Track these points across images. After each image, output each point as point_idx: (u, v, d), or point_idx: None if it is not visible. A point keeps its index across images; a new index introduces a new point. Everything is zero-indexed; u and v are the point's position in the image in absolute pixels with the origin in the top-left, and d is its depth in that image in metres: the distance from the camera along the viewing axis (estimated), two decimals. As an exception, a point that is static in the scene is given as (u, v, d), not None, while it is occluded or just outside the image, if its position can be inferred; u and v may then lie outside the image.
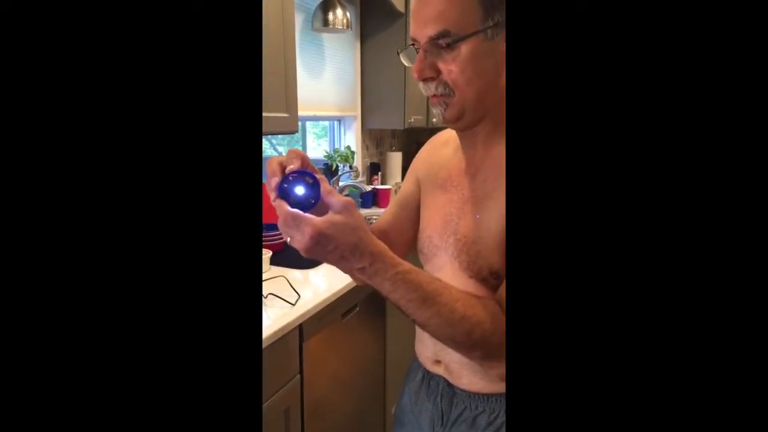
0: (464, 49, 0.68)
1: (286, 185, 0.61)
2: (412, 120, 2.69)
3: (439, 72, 0.70)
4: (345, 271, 0.65)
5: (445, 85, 0.70)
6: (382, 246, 0.63)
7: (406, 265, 0.64)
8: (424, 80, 0.71)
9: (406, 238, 0.92)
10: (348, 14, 2.20)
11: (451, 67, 0.69)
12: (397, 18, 2.52)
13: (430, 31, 0.68)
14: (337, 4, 2.16)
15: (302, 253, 0.60)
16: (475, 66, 0.69)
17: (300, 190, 0.61)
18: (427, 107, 2.87)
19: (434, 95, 0.72)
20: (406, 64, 0.77)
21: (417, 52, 0.71)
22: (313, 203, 0.61)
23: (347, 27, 2.20)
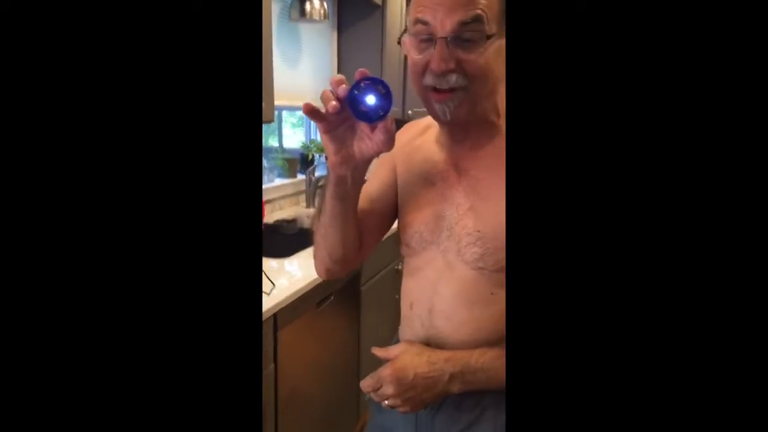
0: (491, 41, 0.65)
1: (356, 92, 0.58)
2: (389, 111, 2.70)
3: (458, 64, 0.66)
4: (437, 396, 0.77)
5: (464, 78, 0.66)
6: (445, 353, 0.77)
7: (471, 357, 0.76)
8: (443, 73, 0.66)
9: (380, 224, 0.90)
10: (325, 5, 2.20)
11: (476, 60, 0.65)
12: (375, 10, 2.52)
13: (461, 16, 0.63)
14: (315, -5, 2.16)
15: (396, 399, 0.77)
16: (496, 61, 0.67)
17: (371, 99, 0.58)
18: (404, 98, 2.88)
19: (449, 89, 0.67)
20: (411, 55, 0.71)
21: (428, 41, 0.67)
22: (381, 115, 0.59)
23: (324, 18, 2.20)
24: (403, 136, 0.90)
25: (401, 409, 0.77)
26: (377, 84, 0.58)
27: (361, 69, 0.60)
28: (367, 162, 0.69)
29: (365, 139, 0.66)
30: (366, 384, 0.79)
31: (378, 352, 0.82)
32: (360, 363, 2.01)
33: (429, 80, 0.68)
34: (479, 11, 0.63)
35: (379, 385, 0.77)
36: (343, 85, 0.60)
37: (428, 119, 0.87)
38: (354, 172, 0.70)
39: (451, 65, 0.66)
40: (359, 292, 1.93)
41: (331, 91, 0.62)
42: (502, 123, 0.77)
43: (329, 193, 0.74)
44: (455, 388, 0.76)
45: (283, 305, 1.38)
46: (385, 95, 0.59)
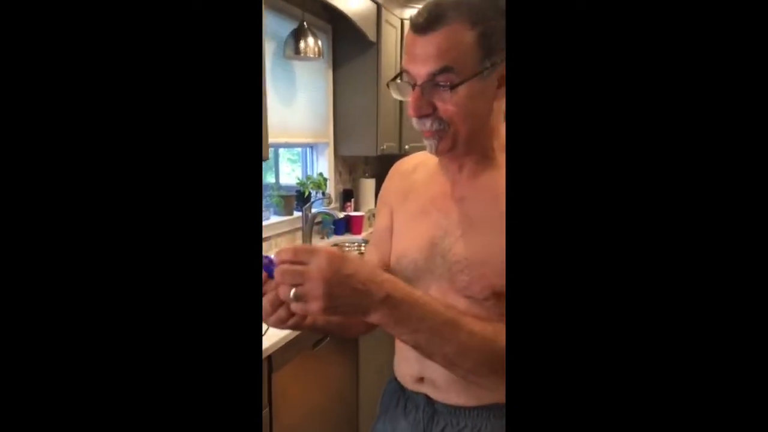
0: (462, 89, 0.70)
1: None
2: (385, 147, 2.71)
3: (434, 108, 0.72)
4: (358, 311, 0.64)
5: (440, 121, 0.72)
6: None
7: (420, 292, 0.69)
8: (420, 117, 0.73)
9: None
10: (320, 42, 2.22)
11: (448, 106, 0.71)
12: (369, 47, 2.55)
13: (431, 68, 0.69)
14: (309, 33, 2.18)
15: (319, 296, 0.59)
16: (472, 105, 0.71)
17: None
18: (400, 134, 2.89)
19: (429, 131, 0.73)
20: (396, 97, 0.77)
21: (410, 87, 0.72)
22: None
23: (319, 55, 2.22)
24: (393, 178, 0.95)
25: (312, 311, 0.62)
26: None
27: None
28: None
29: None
30: (283, 278, 0.61)
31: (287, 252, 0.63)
32: (359, 404, 1.95)
33: (414, 123, 0.75)
34: (447, 63, 0.69)
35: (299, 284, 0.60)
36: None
37: (414, 158, 0.93)
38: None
39: (426, 110, 0.72)
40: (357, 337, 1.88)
41: None
42: (500, 156, 0.79)
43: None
44: (380, 311, 0.64)
45: (277, 346, 1.34)
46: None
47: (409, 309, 0.65)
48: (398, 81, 0.75)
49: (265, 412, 1.35)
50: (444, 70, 0.69)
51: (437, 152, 0.75)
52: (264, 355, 1.29)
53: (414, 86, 0.72)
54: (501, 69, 0.72)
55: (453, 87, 0.69)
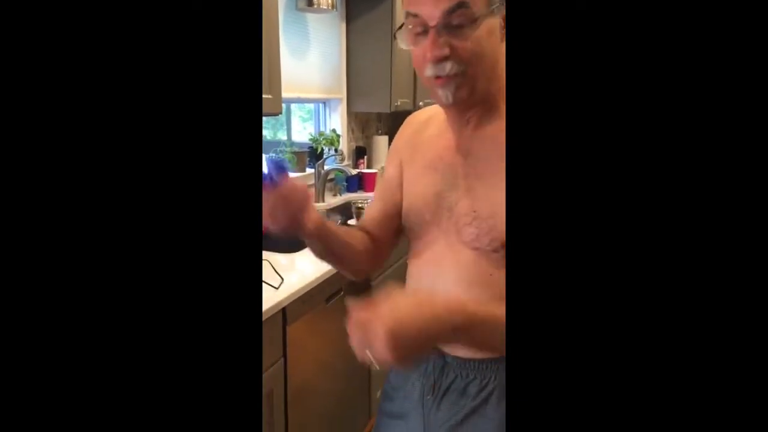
0: (479, 23, 0.68)
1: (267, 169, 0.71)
2: (399, 103, 2.67)
3: (452, 50, 0.69)
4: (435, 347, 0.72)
5: (459, 63, 0.69)
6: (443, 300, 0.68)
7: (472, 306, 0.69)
8: (438, 61, 0.69)
9: (396, 225, 0.92)
10: (333, -6, 2.17)
11: (467, 44, 0.69)
12: (383, 0, 2.49)
13: (446, 4, 0.67)
14: (322, -16, 2.12)
15: (392, 361, 0.60)
16: (487, 42, 0.70)
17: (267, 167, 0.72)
18: (415, 90, 2.84)
19: (446, 76, 0.70)
20: (404, 47, 0.75)
21: (422, 33, 0.70)
22: (281, 167, 0.73)
23: (332, 7, 2.16)
24: (406, 130, 0.94)
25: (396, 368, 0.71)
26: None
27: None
28: (302, 209, 0.76)
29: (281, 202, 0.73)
30: (357, 344, 0.64)
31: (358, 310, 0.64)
32: (371, 358, 1.98)
33: (429, 70, 0.71)
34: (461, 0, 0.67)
35: (370, 346, 0.62)
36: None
37: (428, 110, 0.92)
38: (305, 219, 0.77)
39: (446, 51, 0.69)
40: (370, 287, 1.90)
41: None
42: (503, 105, 0.79)
43: (308, 243, 0.82)
44: (458, 340, 0.71)
45: (291, 300, 1.36)
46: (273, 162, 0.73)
47: (481, 329, 0.68)
48: (404, 29, 0.73)
49: (280, 362, 1.37)
50: (459, 5, 0.67)
51: (454, 100, 0.73)
52: (278, 308, 1.31)
53: (425, 30, 0.69)
54: (503, 9, 0.71)
55: (473, 21, 0.67)
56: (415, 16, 0.70)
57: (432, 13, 0.68)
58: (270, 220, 0.73)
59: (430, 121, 0.89)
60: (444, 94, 0.73)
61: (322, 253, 0.85)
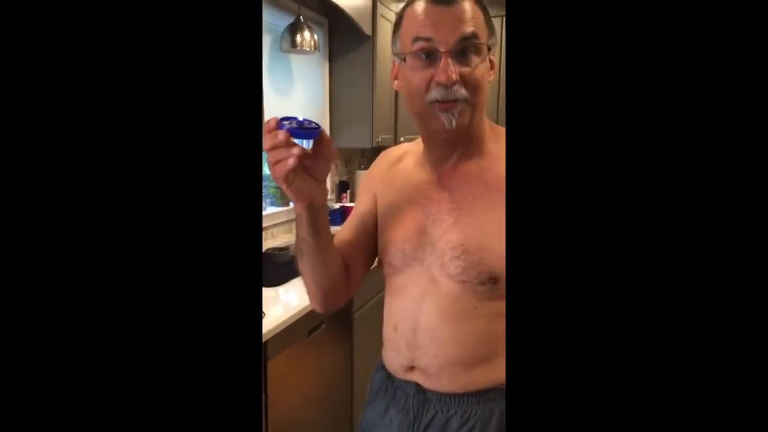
0: (484, 55, 0.75)
1: (285, 122, 0.67)
2: (380, 139, 2.73)
3: (460, 76, 0.73)
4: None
5: (467, 87, 0.73)
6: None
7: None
8: (449, 84, 0.72)
9: (367, 254, 0.92)
10: (316, 36, 2.24)
11: (474, 73, 0.74)
12: (365, 41, 2.57)
13: (462, 31, 0.72)
14: (305, 27, 2.19)
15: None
16: (486, 73, 0.77)
17: (295, 124, 0.67)
18: (395, 126, 2.91)
19: (453, 100, 0.73)
20: (414, 73, 0.76)
21: (427, 58, 0.73)
22: (315, 127, 0.69)
23: (315, 49, 2.24)
24: (380, 164, 0.95)
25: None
26: (291, 119, 0.67)
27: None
28: (322, 183, 0.73)
29: (311, 159, 0.69)
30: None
31: None
32: (353, 391, 1.99)
33: (435, 94, 0.74)
34: (474, 29, 0.73)
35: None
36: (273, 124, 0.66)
37: (403, 146, 0.92)
38: (318, 197, 0.74)
39: (457, 76, 0.72)
40: (351, 320, 1.92)
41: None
42: (487, 140, 0.82)
43: (304, 232, 0.78)
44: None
45: (272, 334, 1.38)
46: (302, 122, 0.67)
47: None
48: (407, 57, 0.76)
49: (261, 398, 1.38)
50: (473, 35, 0.72)
51: (457, 126, 0.75)
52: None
53: (430, 55, 0.73)
54: (491, 53, 0.77)
55: (480, 52, 0.74)
56: (427, 40, 0.73)
57: (448, 39, 0.72)
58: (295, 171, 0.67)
59: (405, 157, 0.90)
60: (447, 118, 0.74)
61: (312, 253, 0.81)
